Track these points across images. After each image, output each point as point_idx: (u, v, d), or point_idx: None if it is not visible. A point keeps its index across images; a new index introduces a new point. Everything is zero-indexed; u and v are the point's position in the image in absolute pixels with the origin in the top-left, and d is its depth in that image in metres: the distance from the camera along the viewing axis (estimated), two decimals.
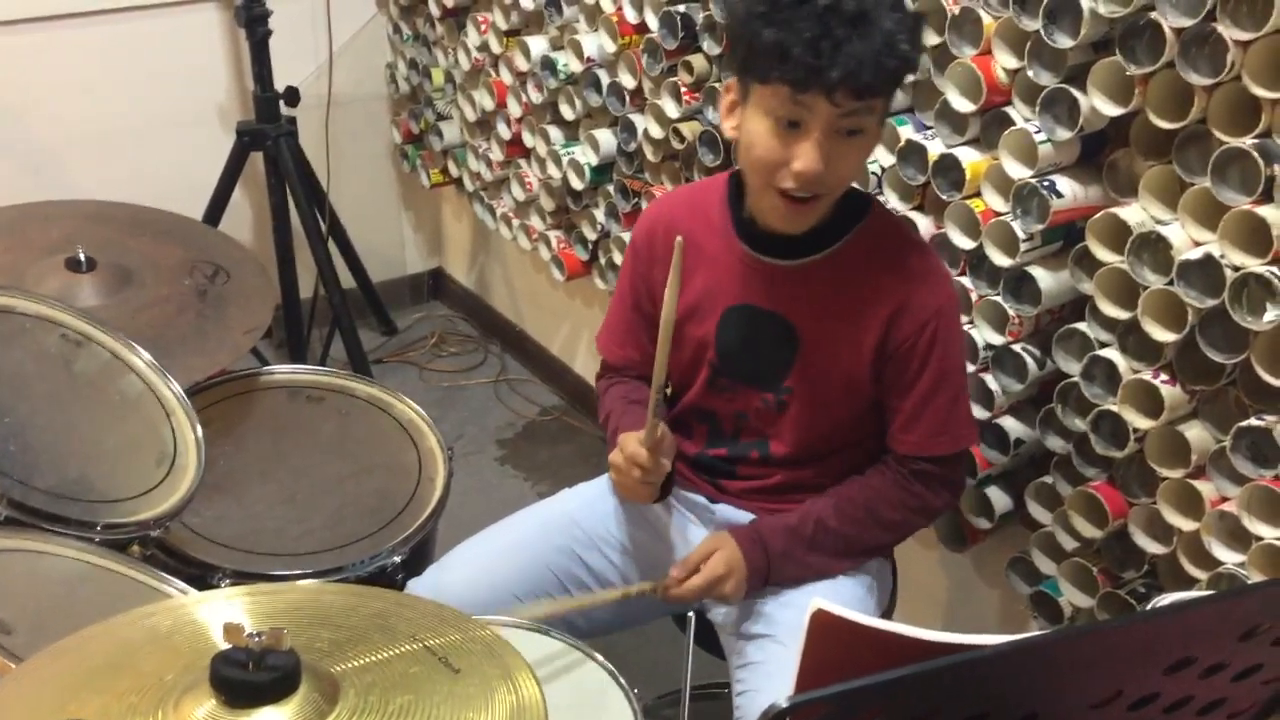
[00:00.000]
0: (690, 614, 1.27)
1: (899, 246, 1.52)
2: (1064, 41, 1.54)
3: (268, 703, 0.82)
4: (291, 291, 2.83)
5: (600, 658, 1.44)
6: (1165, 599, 0.79)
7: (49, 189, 2.43)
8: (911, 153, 1.78)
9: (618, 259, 2.49)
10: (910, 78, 1.59)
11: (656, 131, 2.24)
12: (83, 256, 1.79)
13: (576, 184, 2.49)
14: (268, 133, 2.70)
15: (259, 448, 1.86)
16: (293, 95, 2.70)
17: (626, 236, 2.45)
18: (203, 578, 1.61)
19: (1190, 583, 1.61)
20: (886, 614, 1.68)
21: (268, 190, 2.76)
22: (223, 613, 0.95)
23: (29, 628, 1.12)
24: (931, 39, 1.72)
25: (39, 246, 1.84)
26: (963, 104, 1.69)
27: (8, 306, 1.53)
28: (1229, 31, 1.39)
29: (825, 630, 0.75)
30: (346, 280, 3.02)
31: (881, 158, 1.83)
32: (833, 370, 1.52)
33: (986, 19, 1.65)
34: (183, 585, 1.37)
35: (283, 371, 2.00)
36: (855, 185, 1.62)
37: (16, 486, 1.32)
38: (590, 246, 2.60)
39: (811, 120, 1.35)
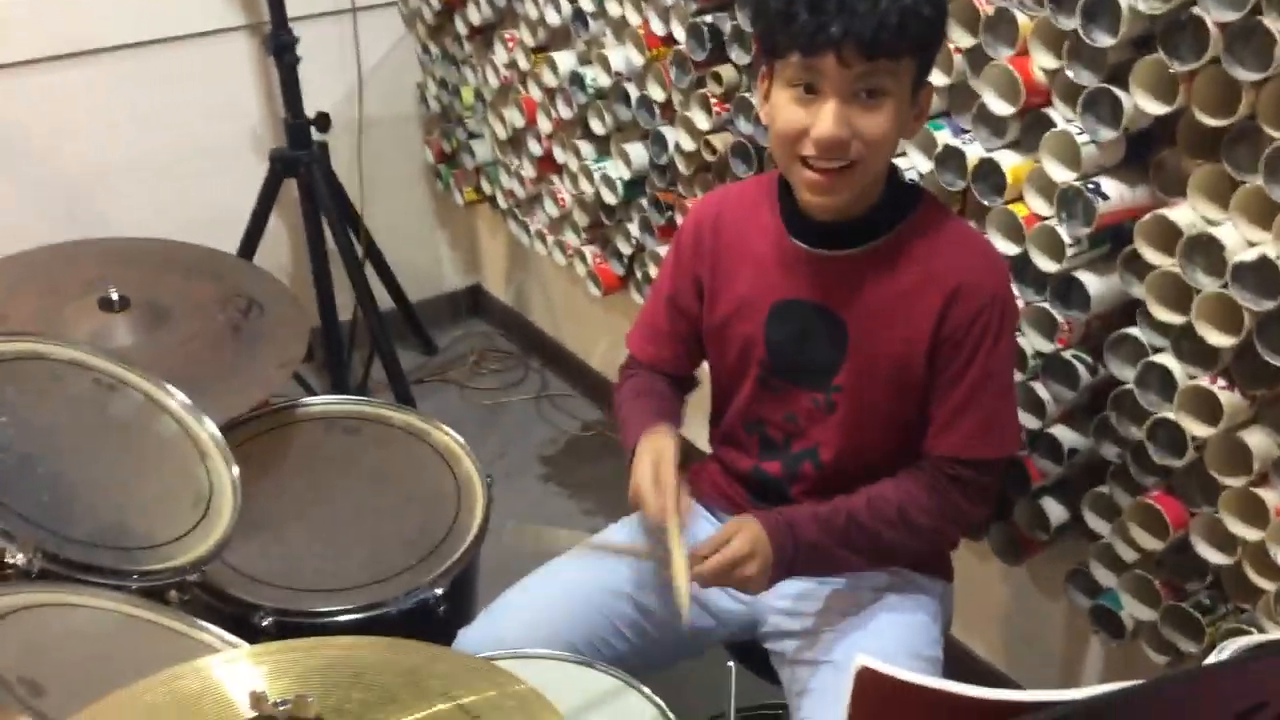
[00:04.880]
0: (730, 663, 1.23)
1: (953, 236, 1.47)
2: (1103, 40, 1.48)
3: None
4: (330, 315, 2.83)
5: (647, 690, 1.41)
6: (1231, 646, 0.75)
7: (81, 227, 2.44)
8: (950, 158, 1.73)
9: (654, 272, 2.46)
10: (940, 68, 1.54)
11: (688, 144, 2.21)
12: (115, 296, 1.79)
13: (609, 199, 2.46)
14: (300, 159, 2.70)
15: (296, 482, 1.85)
16: (323, 120, 2.70)
17: (662, 250, 2.42)
18: (244, 617, 1.61)
19: (1256, 594, 1.56)
20: (943, 632, 1.63)
21: (303, 216, 2.76)
22: (250, 674, 0.93)
23: (61, 688, 1.11)
24: (966, 40, 1.67)
25: (71, 287, 1.84)
26: (1001, 106, 1.64)
27: (38, 353, 1.53)
28: (1276, 24, 1.33)
29: (872, 687, 0.72)
30: (385, 302, 3.01)
31: (919, 164, 1.78)
32: (884, 364, 1.47)
33: (1022, 19, 1.60)
34: (219, 632, 1.35)
35: (318, 403, 1.99)
36: (909, 179, 1.57)
37: (50, 538, 1.32)
38: (626, 261, 2.57)
39: (826, 84, 1.33)
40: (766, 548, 1.44)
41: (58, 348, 1.54)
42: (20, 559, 1.27)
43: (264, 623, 1.60)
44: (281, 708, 0.80)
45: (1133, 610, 1.71)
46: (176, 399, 1.58)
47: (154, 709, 0.88)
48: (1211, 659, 0.73)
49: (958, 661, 2.00)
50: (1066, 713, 0.64)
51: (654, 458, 1.48)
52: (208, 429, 1.57)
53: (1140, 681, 0.68)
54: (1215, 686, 0.69)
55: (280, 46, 2.60)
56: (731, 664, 1.17)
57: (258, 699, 0.80)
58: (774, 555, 1.45)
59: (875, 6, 1.28)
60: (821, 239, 1.47)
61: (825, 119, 1.33)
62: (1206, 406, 1.52)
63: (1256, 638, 0.74)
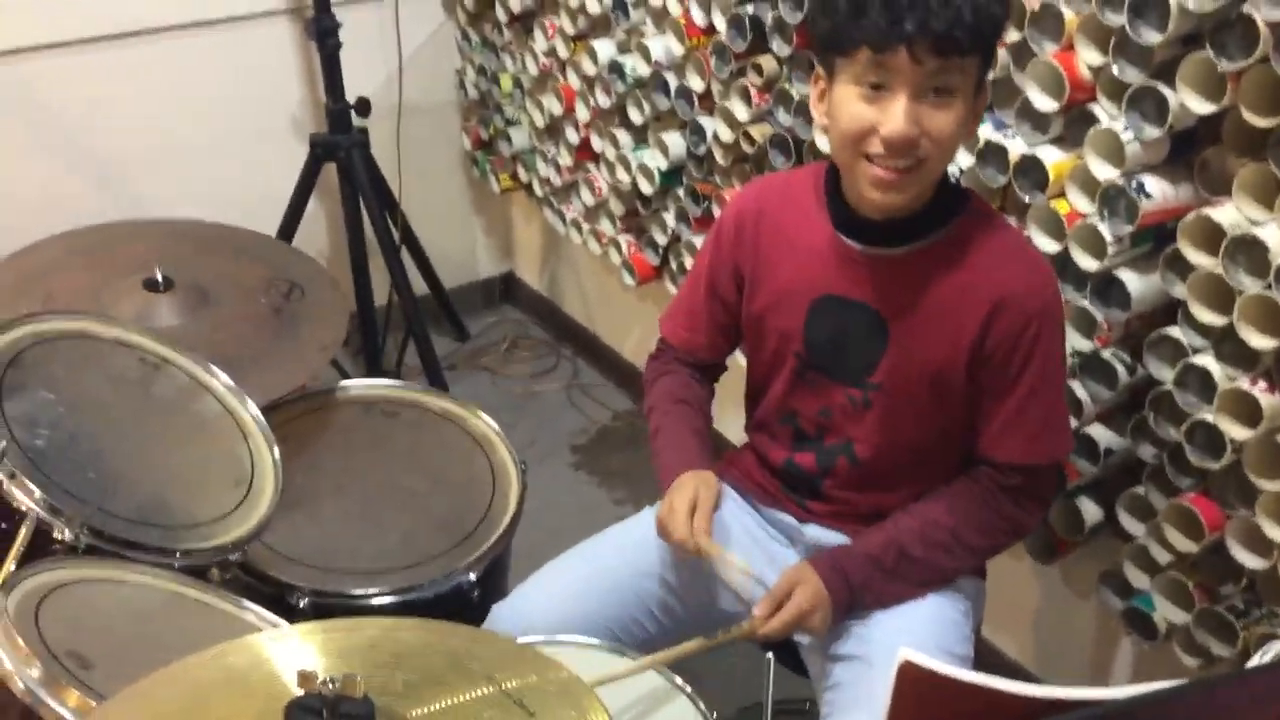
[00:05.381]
0: (769, 653, 1.24)
1: (1001, 241, 1.46)
2: (1151, 37, 1.47)
3: None
4: (366, 300, 2.85)
5: (679, 679, 1.42)
6: (1272, 650, 0.75)
7: (124, 208, 2.47)
8: (991, 153, 1.72)
9: (689, 263, 2.46)
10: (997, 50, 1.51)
11: (726, 134, 2.21)
12: (160, 276, 1.81)
13: (646, 188, 2.47)
14: (340, 143, 2.71)
15: (334, 463, 1.86)
16: (364, 105, 2.71)
17: (697, 240, 2.42)
18: (281, 596, 1.63)
19: None
20: (974, 630, 1.63)
21: (341, 200, 2.77)
22: (298, 652, 0.94)
23: (108, 662, 1.13)
24: (1011, 34, 1.66)
25: (117, 267, 1.87)
26: (1045, 102, 1.63)
27: (85, 331, 1.55)
28: None
29: (914, 682, 0.72)
30: (420, 287, 3.02)
31: (960, 159, 1.77)
32: (923, 367, 1.46)
33: (1068, 14, 1.59)
34: (261, 611, 1.37)
35: (357, 386, 2.01)
36: (953, 179, 1.56)
37: (96, 513, 1.34)
38: (661, 251, 2.57)
39: (896, 81, 1.31)
40: (827, 600, 1.45)
41: (104, 326, 1.56)
42: (67, 534, 1.29)
43: (300, 603, 1.62)
44: (330, 686, 0.81)
45: (1166, 613, 1.70)
46: (220, 379, 1.60)
47: (203, 684, 0.90)
48: (1253, 662, 0.73)
49: (987, 660, 2.00)
50: (1111, 711, 0.64)
51: (693, 496, 1.49)
52: (250, 410, 1.58)
53: (1182, 681, 0.68)
54: (1258, 689, 0.69)
55: (322, 31, 2.61)
56: (770, 655, 1.17)
57: (306, 677, 0.82)
58: (832, 603, 1.46)
59: (948, 3, 1.26)
60: (869, 236, 1.46)
61: (896, 117, 1.32)
62: (1246, 409, 1.51)
63: None
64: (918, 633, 1.53)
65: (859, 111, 1.34)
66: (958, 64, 1.31)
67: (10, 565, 1.23)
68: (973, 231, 1.45)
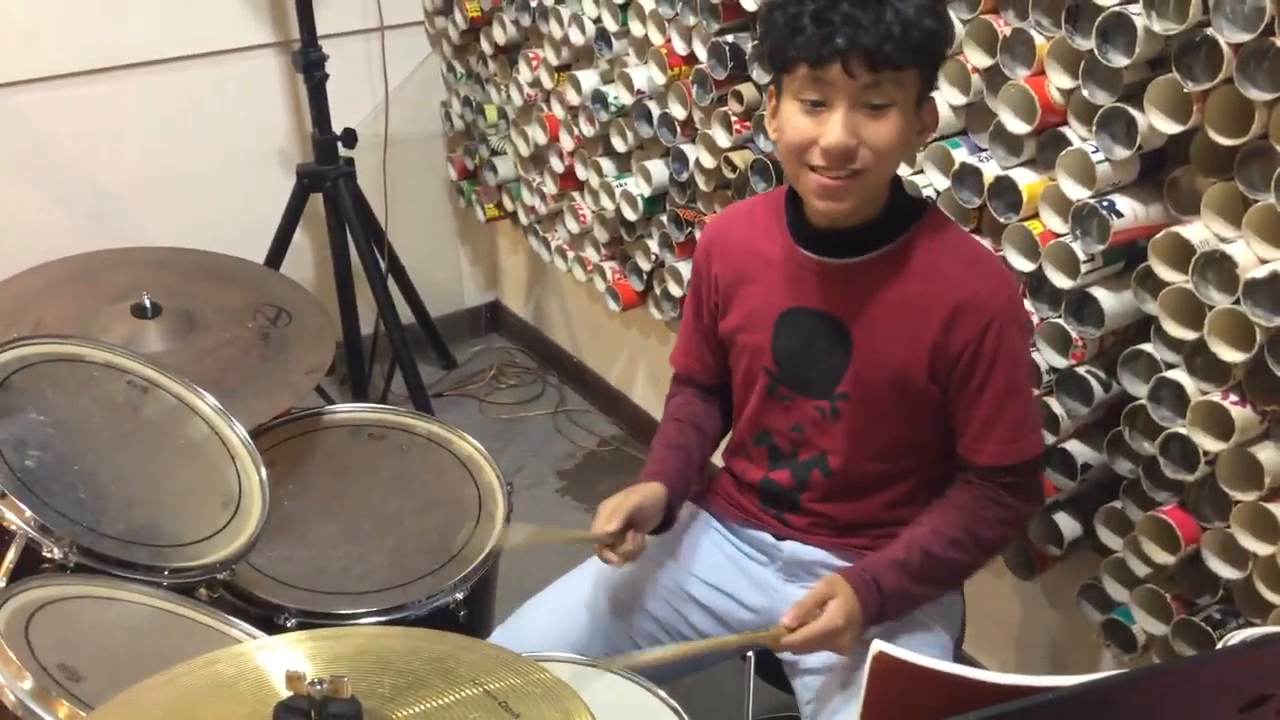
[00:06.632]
0: (749, 654, 1.25)
1: (956, 247, 1.50)
2: (1119, 60, 1.51)
3: None
4: (353, 329, 2.87)
5: (663, 693, 1.44)
6: (1236, 636, 0.77)
7: (114, 237, 2.49)
8: (966, 175, 1.76)
9: (672, 289, 2.50)
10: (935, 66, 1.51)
11: (708, 161, 2.24)
12: (148, 303, 1.83)
13: (630, 215, 2.50)
14: (327, 174, 2.74)
15: (321, 487, 1.88)
16: (350, 137, 2.74)
17: (681, 266, 2.46)
18: (269, 618, 1.63)
19: (1268, 608, 1.57)
20: (956, 645, 1.65)
21: (328, 230, 2.80)
22: (286, 659, 0.96)
23: (99, 674, 1.14)
24: (983, 60, 1.70)
25: (105, 294, 1.89)
26: (1017, 125, 1.67)
27: (75, 355, 1.57)
28: None
29: (887, 673, 0.74)
30: (406, 316, 3.05)
31: (936, 181, 1.81)
32: (887, 373, 1.49)
33: (1039, 39, 1.63)
34: (248, 628, 1.38)
35: (344, 410, 2.02)
36: (911, 192, 1.59)
37: (86, 533, 1.35)
38: (645, 277, 2.60)
39: (834, 95, 1.37)
40: (858, 615, 1.45)
41: (94, 350, 1.58)
42: (57, 553, 1.30)
43: (288, 624, 1.63)
44: (317, 688, 0.83)
45: (1145, 624, 1.72)
46: (207, 402, 1.61)
47: (192, 690, 0.91)
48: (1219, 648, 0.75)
49: None
50: (1071, 694, 0.66)
51: (622, 499, 1.52)
52: (237, 432, 1.60)
53: (1144, 666, 0.70)
54: (1220, 674, 0.71)
55: (309, 63, 2.65)
56: (750, 654, 1.19)
57: (294, 679, 0.83)
58: (863, 618, 1.46)
59: (880, 19, 1.32)
60: (827, 247, 1.50)
61: (833, 128, 1.37)
62: (1218, 422, 1.54)
63: (1264, 629, 0.77)
64: (898, 646, 1.54)
65: (801, 124, 1.40)
66: (892, 77, 1.36)
67: (0, 582, 1.24)
68: (929, 239, 1.49)
